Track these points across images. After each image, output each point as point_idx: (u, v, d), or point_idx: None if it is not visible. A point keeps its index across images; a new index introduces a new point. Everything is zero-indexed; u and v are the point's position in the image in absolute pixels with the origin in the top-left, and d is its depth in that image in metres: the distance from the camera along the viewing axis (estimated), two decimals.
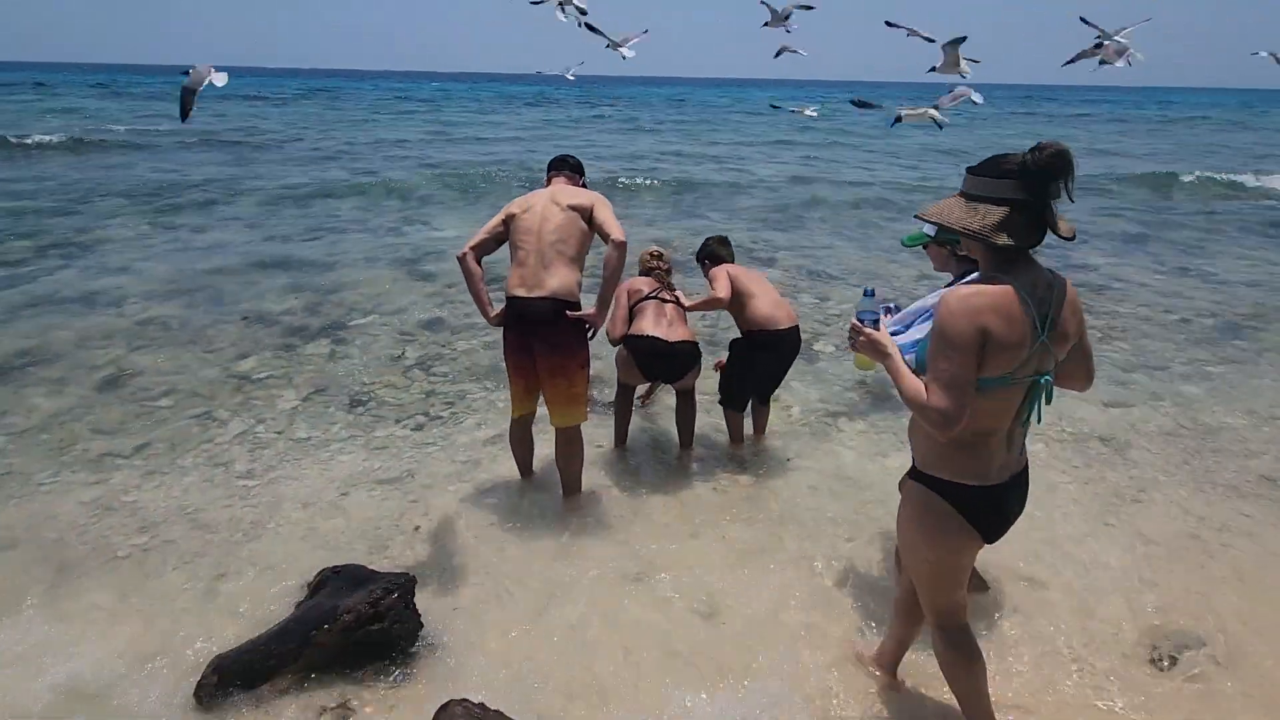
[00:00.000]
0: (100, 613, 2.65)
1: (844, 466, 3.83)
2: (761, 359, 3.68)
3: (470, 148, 19.61)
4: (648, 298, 3.66)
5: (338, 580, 2.46)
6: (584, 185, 3.30)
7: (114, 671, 2.34)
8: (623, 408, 3.85)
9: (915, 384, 1.66)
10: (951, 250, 2.66)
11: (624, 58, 4.76)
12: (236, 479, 3.61)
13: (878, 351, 1.79)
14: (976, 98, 3.92)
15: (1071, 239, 1.66)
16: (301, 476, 3.63)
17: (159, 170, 13.79)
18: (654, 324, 3.56)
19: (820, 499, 3.50)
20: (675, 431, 3.94)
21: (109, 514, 3.29)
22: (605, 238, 2.97)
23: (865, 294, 1.90)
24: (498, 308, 3.20)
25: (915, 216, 1.84)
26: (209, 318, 5.93)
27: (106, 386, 4.64)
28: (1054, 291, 1.67)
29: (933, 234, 2.68)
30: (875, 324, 1.84)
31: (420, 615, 2.45)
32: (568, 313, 3.02)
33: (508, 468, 3.71)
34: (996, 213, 1.61)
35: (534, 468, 3.60)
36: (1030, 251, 1.67)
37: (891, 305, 2.15)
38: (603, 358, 4.42)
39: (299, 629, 2.23)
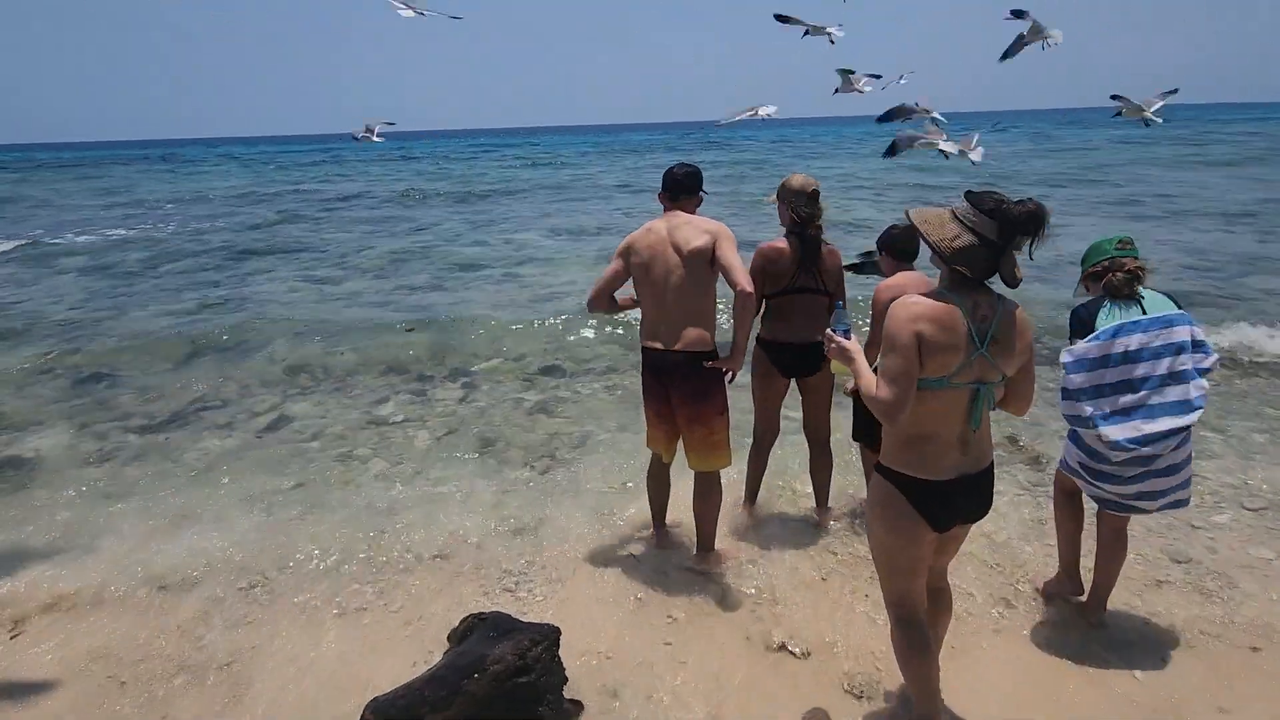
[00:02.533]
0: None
1: (999, 526, 3.46)
2: None
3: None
4: (790, 291, 3.19)
5: (484, 627, 2.42)
6: (702, 199, 3.10)
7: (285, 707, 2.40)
8: (756, 453, 3.60)
9: (870, 379, 1.93)
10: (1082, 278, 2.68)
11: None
12: (379, 516, 3.73)
13: (845, 356, 2.04)
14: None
15: (1014, 286, 1.88)
16: (438, 519, 3.70)
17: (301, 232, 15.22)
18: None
19: (983, 572, 3.15)
20: (811, 486, 3.67)
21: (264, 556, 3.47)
22: (732, 285, 2.82)
23: (837, 306, 2.21)
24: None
25: (904, 213, 2.01)
26: (349, 368, 6.33)
27: (263, 432, 4.98)
28: (997, 312, 1.89)
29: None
30: (846, 334, 2.07)
31: (565, 668, 2.37)
32: (705, 363, 2.93)
33: (638, 514, 3.63)
34: (967, 239, 1.84)
35: (666, 516, 3.47)
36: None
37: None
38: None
39: (451, 676, 2.19)
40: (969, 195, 1.89)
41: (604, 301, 3.09)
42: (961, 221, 1.86)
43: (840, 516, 3.57)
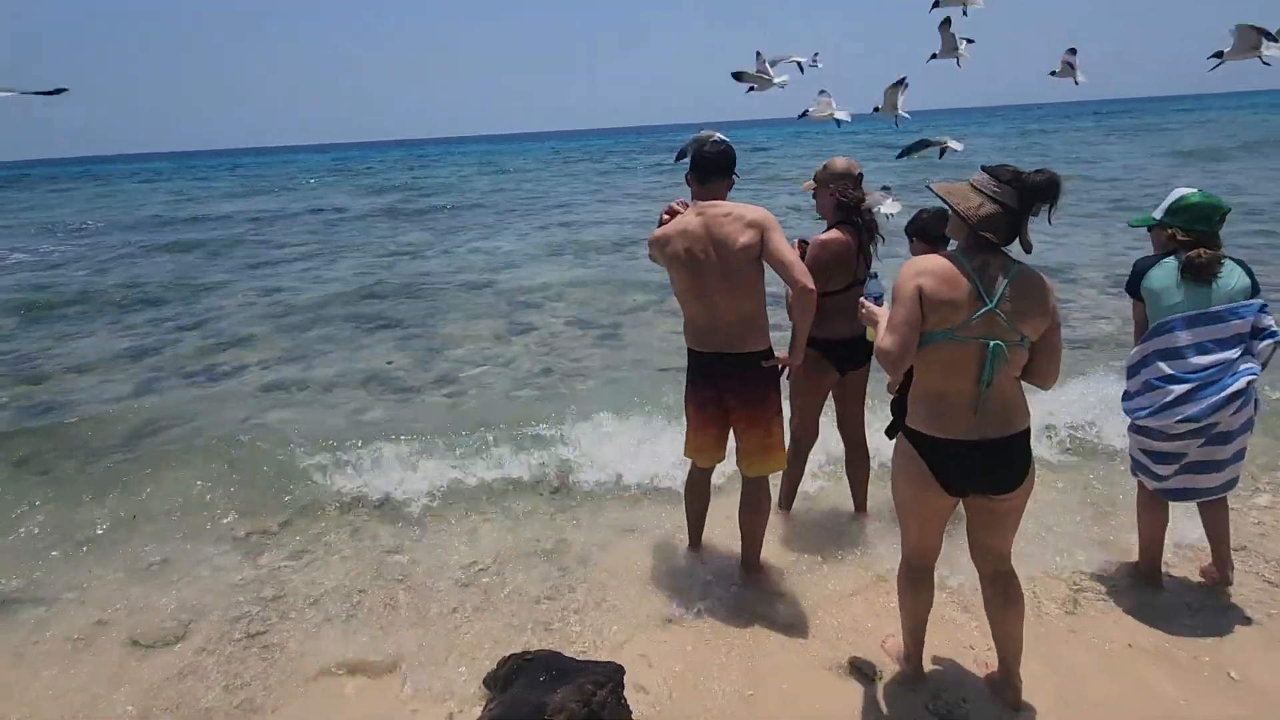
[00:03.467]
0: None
1: (1054, 503, 3.32)
2: None
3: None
4: (856, 284, 2.93)
5: (533, 669, 2.15)
6: (734, 182, 2.79)
7: None
8: (795, 458, 3.33)
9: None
10: (1174, 234, 2.50)
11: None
12: (386, 554, 3.36)
13: (873, 321, 2.18)
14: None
15: (1028, 252, 2.00)
16: (447, 548, 3.36)
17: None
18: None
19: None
20: (849, 489, 3.46)
21: (268, 601, 3.09)
22: (789, 283, 2.56)
23: (871, 276, 2.36)
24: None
25: (926, 187, 2.11)
26: (327, 381, 5.91)
27: (232, 460, 4.55)
28: (1010, 273, 1.96)
29: (1159, 217, 2.57)
30: (878, 300, 2.27)
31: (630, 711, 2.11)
32: (764, 363, 2.70)
33: (664, 527, 3.38)
34: (990, 207, 1.94)
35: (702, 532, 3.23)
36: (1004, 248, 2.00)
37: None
38: None
39: None
40: (985, 168, 1.99)
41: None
42: (982, 192, 1.96)
43: (881, 517, 3.38)
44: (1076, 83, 4.06)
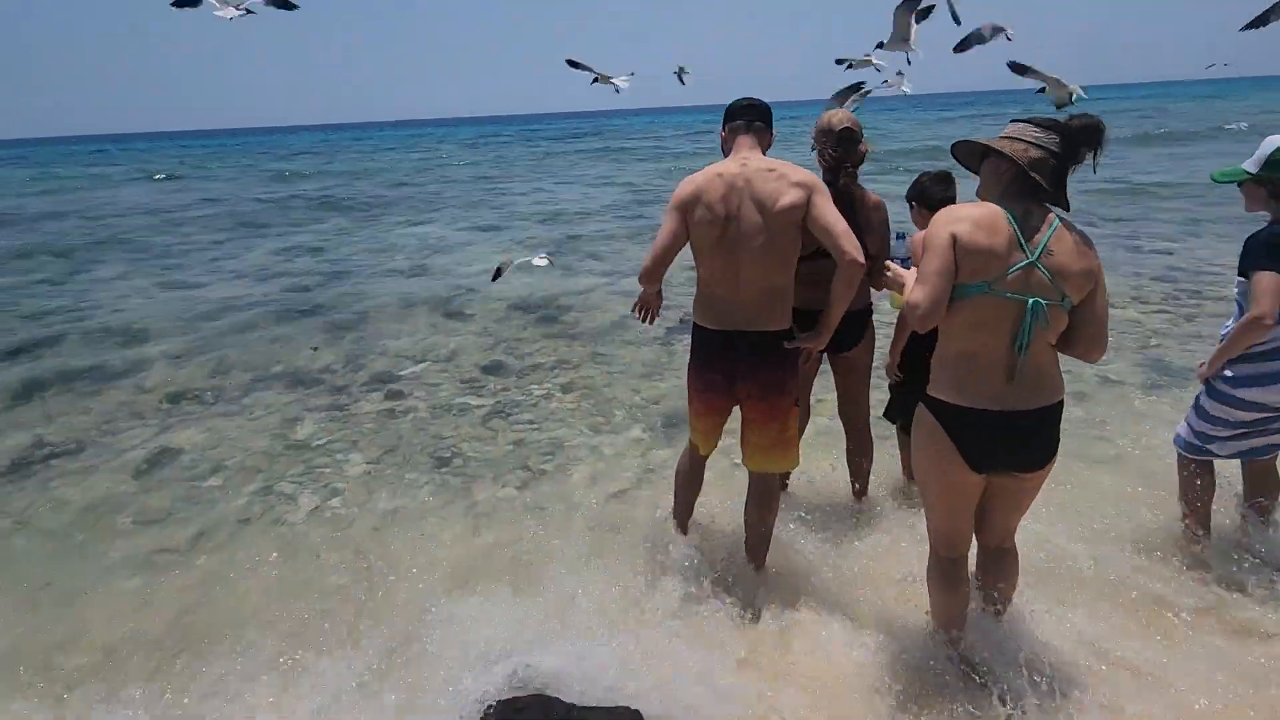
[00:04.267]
0: None
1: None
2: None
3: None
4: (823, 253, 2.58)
5: (530, 716, 1.78)
6: (773, 140, 2.52)
7: None
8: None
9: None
10: (1271, 190, 2.32)
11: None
12: (328, 572, 2.91)
13: (897, 283, 2.03)
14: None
15: (1067, 210, 1.86)
16: (403, 561, 2.93)
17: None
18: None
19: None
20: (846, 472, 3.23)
21: (172, 630, 2.58)
22: (834, 253, 2.25)
23: (897, 238, 2.22)
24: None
25: (952, 149, 1.99)
26: (243, 381, 5.26)
27: (143, 471, 3.93)
28: (1053, 227, 1.80)
29: (1254, 170, 2.36)
30: (904, 262, 2.12)
31: None
32: (786, 344, 2.40)
33: (649, 526, 3.05)
34: (1036, 152, 1.80)
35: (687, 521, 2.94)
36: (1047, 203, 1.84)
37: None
38: None
39: None
40: (1018, 119, 1.88)
41: (661, 273, 2.42)
42: (1023, 140, 1.83)
43: (882, 503, 3.16)
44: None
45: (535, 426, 4.31)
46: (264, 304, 7.53)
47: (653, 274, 2.42)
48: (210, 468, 3.89)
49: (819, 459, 3.36)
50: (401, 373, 5.35)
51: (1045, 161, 1.80)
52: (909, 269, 2.06)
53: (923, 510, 2.78)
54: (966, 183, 2.38)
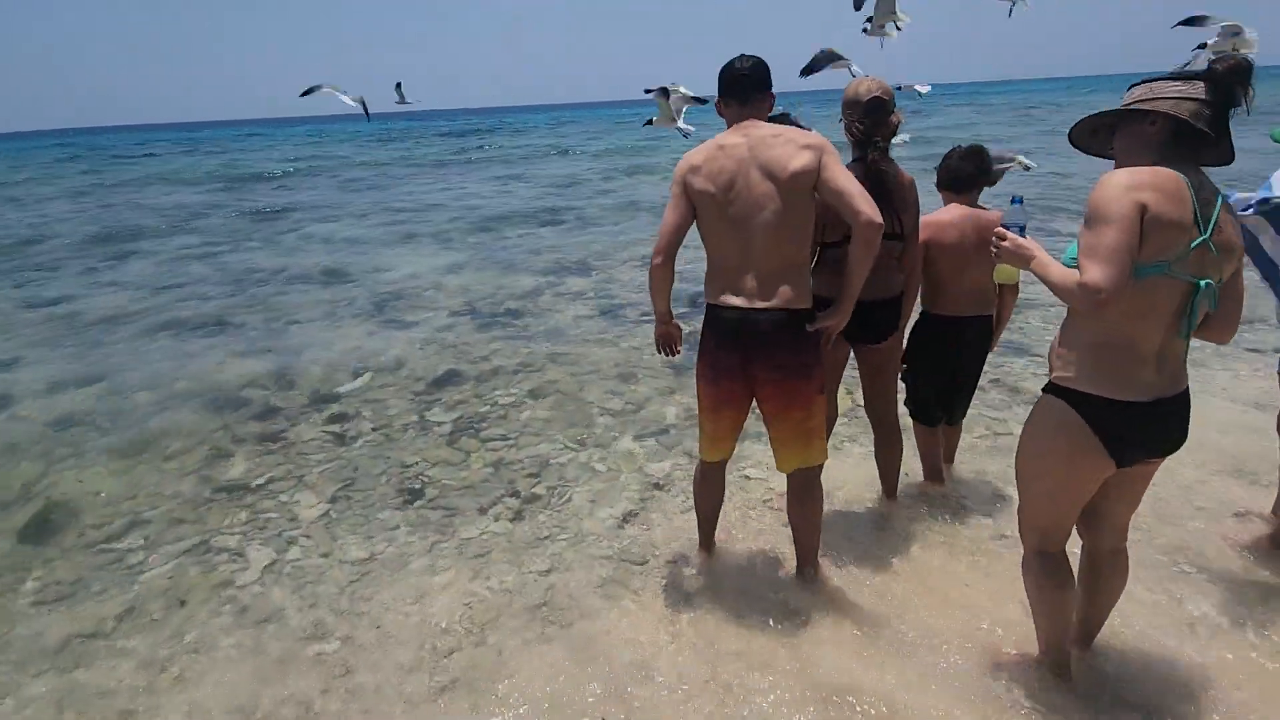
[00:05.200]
0: None
1: None
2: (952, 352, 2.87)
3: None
4: None
5: None
6: (774, 101, 2.33)
7: None
8: None
9: (1067, 271, 1.62)
10: None
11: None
12: (303, 643, 2.41)
13: (1021, 256, 1.74)
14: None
15: (1230, 162, 1.68)
16: (396, 622, 2.48)
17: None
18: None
19: None
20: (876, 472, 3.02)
21: None
22: (848, 216, 2.06)
23: (1013, 201, 1.81)
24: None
25: (1103, 111, 1.75)
26: (146, 406, 4.49)
27: (32, 534, 3.21)
28: (1219, 197, 1.63)
29: None
30: (1021, 232, 1.78)
31: None
32: (808, 326, 2.17)
33: (676, 549, 2.76)
34: (1190, 104, 1.61)
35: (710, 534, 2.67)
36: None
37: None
38: None
39: None
40: (1146, 79, 1.69)
41: (672, 259, 2.22)
42: (1165, 98, 1.63)
43: (915, 504, 2.98)
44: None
45: (511, 443, 3.87)
46: (158, 318, 6.59)
47: (664, 263, 2.20)
48: (126, 523, 3.22)
49: (841, 461, 3.16)
50: (341, 389, 4.74)
51: (1201, 111, 1.60)
52: (1027, 238, 1.80)
53: (957, 513, 2.61)
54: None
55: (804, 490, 2.37)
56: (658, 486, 3.33)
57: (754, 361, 2.18)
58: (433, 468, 3.65)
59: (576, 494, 3.30)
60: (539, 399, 4.41)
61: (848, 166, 2.41)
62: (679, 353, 2.47)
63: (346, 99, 4.62)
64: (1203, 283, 1.58)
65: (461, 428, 4.08)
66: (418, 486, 3.47)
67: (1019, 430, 1.88)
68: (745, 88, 2.22)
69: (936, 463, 3.09)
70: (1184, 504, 2.89)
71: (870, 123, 2.46)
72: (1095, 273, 1.52)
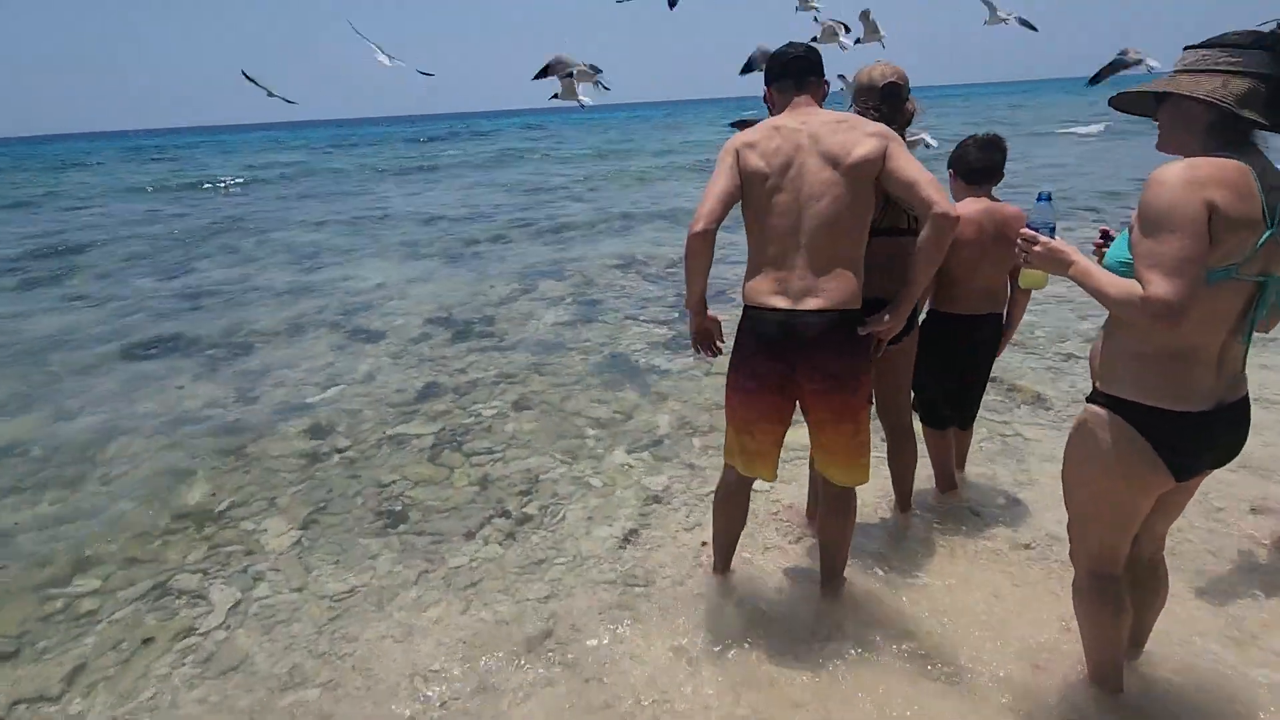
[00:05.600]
0: None
1: None
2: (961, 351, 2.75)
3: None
4: (874, 231, 2.15)
5: None
6: (828, 90, 2.14)
7: None
8: None
9: (1122, 280, 1.43)
10: None
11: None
12: (274, 692, 2.16)
13: (1058, 261, 1.56)
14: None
15: None
16: (384, 665, 2.25)
17: None
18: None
19: None
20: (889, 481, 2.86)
21: None
22: (920, 207, 1.87)
23: (1039, 199, 1.64)
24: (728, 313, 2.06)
25: (1139, 90, 1.55)
26: (92, 429, 4.14)
27: None
28: None
29: None
30: (1051, 232, 1.62)
31: None
32: (861, 329, 1.98)
33: (684, 569, 2.58)
34: (1239, 83, 1.41)
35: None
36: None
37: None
38: None
39: None
40: (1195, 45, 1.49)
41: (715, 229, 1.95)
42: (1216, 70, 1.43)
43: (930, 513, 2.85)
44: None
45: (497, 457, 3.65)
46: (104, 334, 6.17)
47: (707, 222, 1.92)
48: (70, 564, 2.90)
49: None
50: (310, 400, 4.45)
51: (1256, 92, 1.40)
52: (1056, 238, 1.64)
53: (974, 522, 2.47)
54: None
55: (843, 505, 2.20)
56: (656, 501, 3.14)
57: (800, 370, 1.97)
58: (414, 487, 3.40)
59: (571, 512, 3.10)
60: (523, 410, 4.19)
61: None
62: (720, 351, 2.21)
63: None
64: (1269, 282, 1.44)
65: (443, 441, 3.84)
66: (399, 508, 3.22)
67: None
68: (801, 70, 2.05)
69: (949, 469, 2.95)
70: (1200, 504, 2.81)
71: (888, 108, 2.31)
72: (1163, 287, 1.35)
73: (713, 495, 2.43)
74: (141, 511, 3.28)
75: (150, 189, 20.07)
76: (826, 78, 2.14)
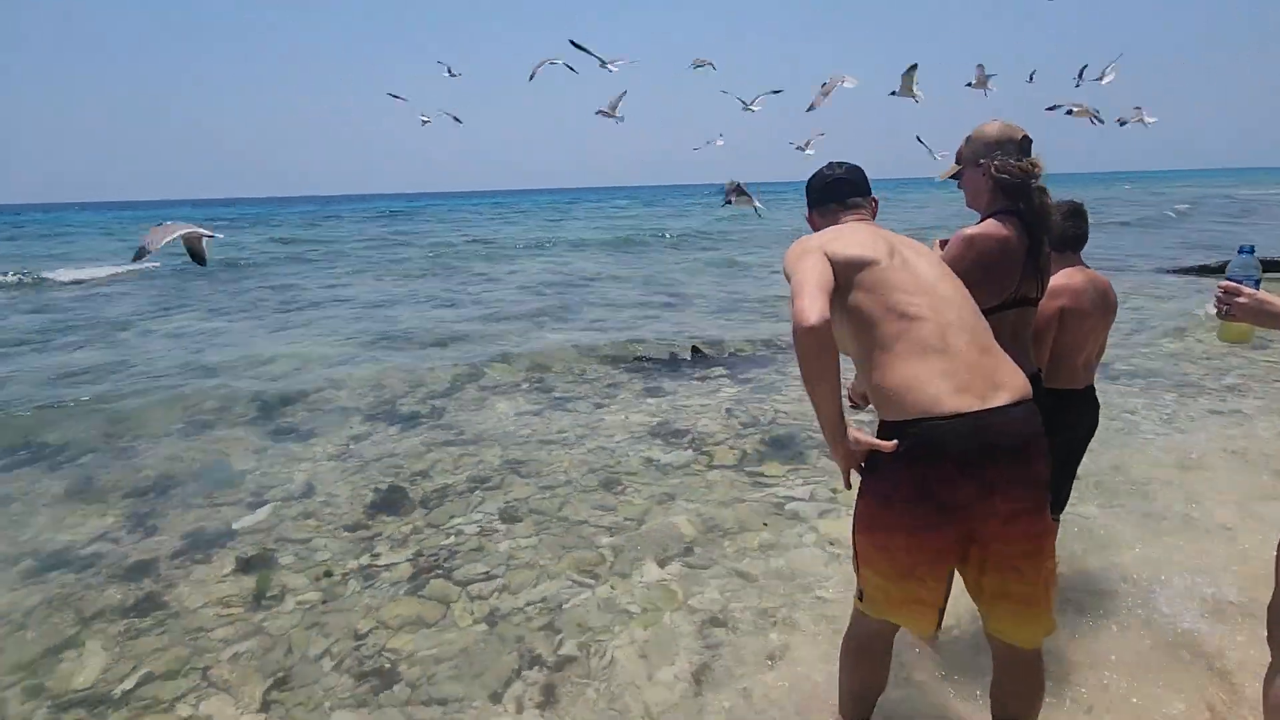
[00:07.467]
0: None
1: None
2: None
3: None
4: (1010, 304, 1.99)
5: None
6: (877, 207, 1.94)
7: None
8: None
9: None
10: None
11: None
12: None
13: (1266, 313, 1.48)
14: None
15: None
16: None
17: None
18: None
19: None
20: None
21: None
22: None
23: (1241, 251, 1.61)
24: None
25: None
26: None
27: None
28: None
29: None
30: (1256, 285, 1.56)
31: None
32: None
33: (785, 714, 2.05)
34: None
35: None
36: None
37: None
38: None
39: None
40: None
41: (830, 324, 1.48)
42: None
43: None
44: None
45: (500, 584, 3.00)
46: None
47: (822, 308, 1.48)
48: None
49: None
50: (236, 525, 3.59)
51: None
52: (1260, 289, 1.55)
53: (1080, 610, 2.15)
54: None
55: (1034, 666, 1.69)
56: (716, 624, 2.63)
57: (1000, 488, 1.50)
58: (398, 634, 2.68)
59: (616, 650, 2.51)
60: (513, 522, 3.56)
61: (994, 218, 2.03)
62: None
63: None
64: None
65: (424, 568, 3.14)
66: (385, 665, 2.50)
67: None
68: (843, 193, 1.86)
69: None
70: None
71: (1029, 162, 2.04)
72: None
73: (841, 642, 1.93)
74: (21, 700, 2.34)
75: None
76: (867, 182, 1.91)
